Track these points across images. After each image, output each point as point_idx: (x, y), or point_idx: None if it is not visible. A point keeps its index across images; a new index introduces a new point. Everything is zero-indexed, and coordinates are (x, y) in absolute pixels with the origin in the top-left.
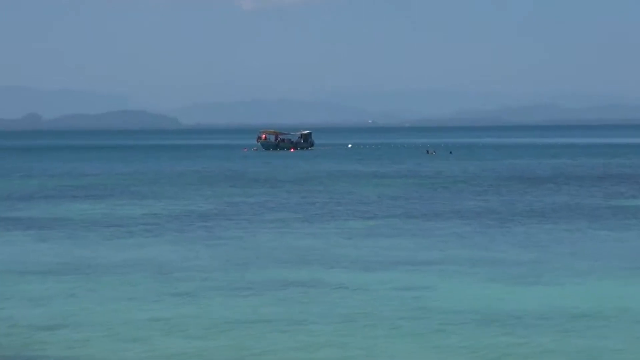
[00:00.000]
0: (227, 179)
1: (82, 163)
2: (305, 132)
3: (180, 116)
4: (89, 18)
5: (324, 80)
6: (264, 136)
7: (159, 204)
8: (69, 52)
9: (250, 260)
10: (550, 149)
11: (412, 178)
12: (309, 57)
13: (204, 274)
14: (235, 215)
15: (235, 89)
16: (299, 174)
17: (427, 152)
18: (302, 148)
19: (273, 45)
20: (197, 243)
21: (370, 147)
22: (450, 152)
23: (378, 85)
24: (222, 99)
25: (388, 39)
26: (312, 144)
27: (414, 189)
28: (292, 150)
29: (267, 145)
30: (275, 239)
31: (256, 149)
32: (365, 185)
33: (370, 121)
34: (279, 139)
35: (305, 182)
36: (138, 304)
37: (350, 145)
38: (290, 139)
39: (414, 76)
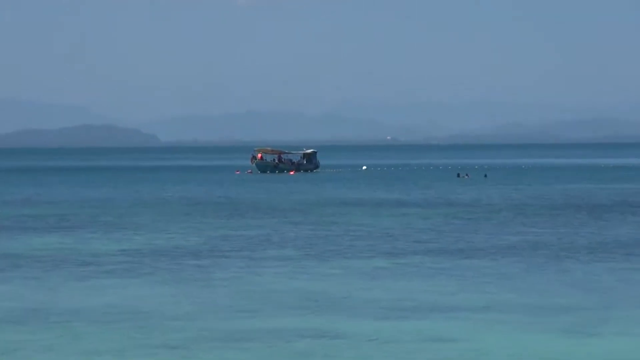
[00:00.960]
0: (220, 207)
1: (42, 188)
2: (309, 151)
3: (158, 131)
4: (44, 13)
5: (330, 88)
6: (259, 156)
7: (138, 237)
8: (16, 57)
9: (254, 306)
10: (611, 171)
11: (443, 207)
12: (311, 61)
13: (197, 323)
14: (232, 252)
15: (226, 99)
16: (305, 201)
17: (459, 175)
18: (305, 170)
19: (270, 47)
20: (188, 285)
21: (389, 169)
22: (485, 176)
23: (398, 94)
24: (209, 111)
25: (408, 39)
26: (317, 166)
27: (446, 220)
28: (292, 173)
29: (263, 167)
30: (282, 280)
31: (250, 171)
32: (386, 215)
33: (388, 138)
34: (277, 159)
35: (314, 211)
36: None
37: (364, 167)
38: (290, 159)
39: (442, 85)
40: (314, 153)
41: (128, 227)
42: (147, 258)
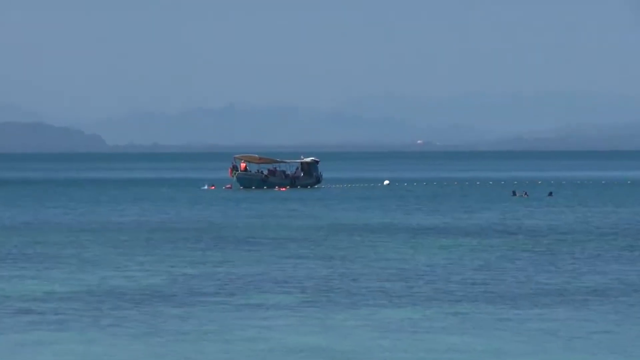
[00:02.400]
0: (193, 235)
1: None
2: (308, 159)
3: (105, 132)
4: None
5: (339, 78)
6: (242, 166)
7: (87, 275)
8: None
9: None
10: None
11: (500, 236)
12: (314, 46)
13: None
14: (216, 296)
15: (196, 91)
16: (309, 228)
17: (514, 193)
18: (302, 185)
19: (257, 22)
20: (160, 340)
21: (420, 184)
22: (550, 194)
23: (431, 87)
24: (173, 106)
25: (440, 15)
26: (318, 179)
27: (506, 254)
28: (283, 189)
29: (247, 181)
30: (285, 335)
31: (230, 186)
32: (424, 247)
33: (420, 142)
34: (266, 170)
35: (322, 241)
36: None
37: (387, 182)
38: (284, 171)
39: (488, 75)
40: (315, 163)
41: (71, 262)
42: (102, 304)
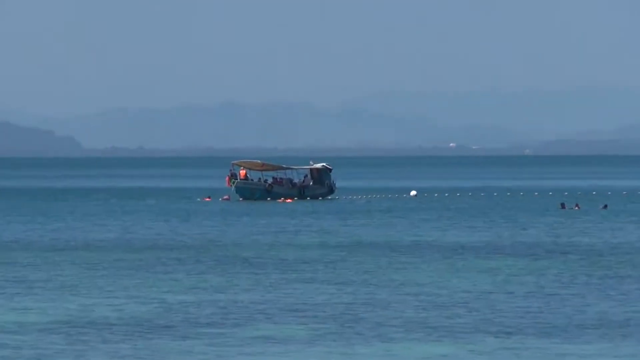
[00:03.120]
0: (190, 255)
1: None
2: (319, 165)
3: (80, 133)
4: None
5: (353, 70)
6: (242, 173)
7: (66, 304)
8: None
9: None
10: None
11: (549, 256)
12: (323, 34)
13: None
14: (217, 325)
15: (188, 87)
16: (325, 246)
17: (563, 206)
18: (312, 196)
19: (257, 9)
20: None
21: (454, 195)
22: (605, 207)
23: (465, 82)
24: (161, 102)
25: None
26: (331, 189)
27: (558, 277)
28: (288, 200)
29: (248, 191)
30: None
31: (228, 198)
32: (458, 270)
33: (452, 145)
34: (270, 178)
35: (336, 263)
36: None
37: (414, 193)
38: (290, 179)
39: (532, 67)
40: (327, 169)
41: (47, 288)
42: (86, 336)
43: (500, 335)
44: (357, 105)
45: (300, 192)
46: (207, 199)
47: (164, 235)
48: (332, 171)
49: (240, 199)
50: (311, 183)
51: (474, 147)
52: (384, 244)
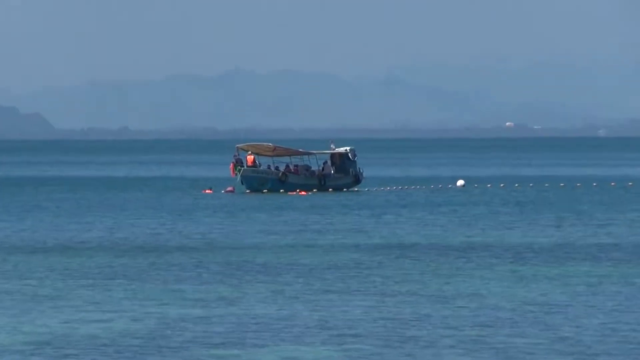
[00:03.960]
0: (190, 260)
1: None
2: (341, 150)
3: (50, 111)
4: None
5: (387, 41)
6: (249, 159)
7: (45, 319)
8: None
9: None
10: None
11: (636, 260)
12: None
13: None
14: (226, 345)
15: (184, 53)
16: (351, 249)
17: None
18: (335, 187)
19: None
20: None
21: (510, 185)
22: None
23: (525, 50)
24: (150, 74)
25: None
26: (357, 178)
27: None
28: (302, 193)
29: (256, 180)
30: None
31: (232, 189)
32: (526, 278)
33: (509, 124)
34: (283, 166)
35: (372, 269)
36: None
37: (462, 183)
38: (307, 167)
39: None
40: (350, 154)
41: (21, 300)
42: (68, 358)
43: (580, 359)
44: (394, 77)
45: (320, 182)
46: (208, 191)
47: (159, 235)
48: (358, 157)
49: (248, 190)
50: (332, 171)
51: (535, 127)
52: (430, 246)
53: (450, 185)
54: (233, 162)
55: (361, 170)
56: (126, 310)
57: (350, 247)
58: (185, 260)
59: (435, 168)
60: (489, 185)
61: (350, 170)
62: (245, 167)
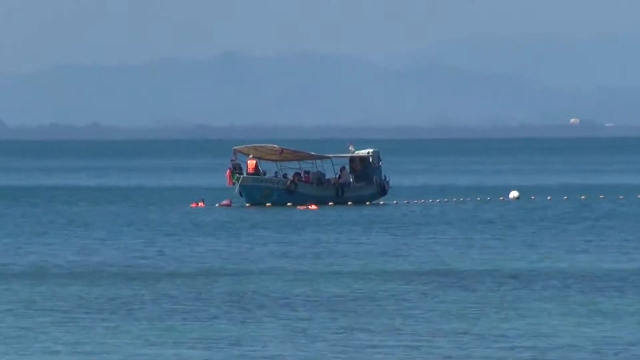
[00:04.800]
0: (183, 289)
1: None
2: (363, 152)
3: (0, 105)
4: None
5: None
6: (250, 164)
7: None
8: None
9: None
10: None
11: None
12: None
13: None
14: None
15: (168, 34)
16: (389, 276)
17: None
18: (355, 199)
19: None
20: None
21: (576, 197)
22: None
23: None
24: (125, 55)
25: None
26: (382, 188)
27: None
28: (313, 207)
29: (258, 191)
30: None
31: (229, 203)
32: (605, 313)
33: (573, 121)
34: (291, 175)
35: (418, 303)
36: None
37: (515, 194)
38: (320, 174)
39: None
40: (373, 158)
41: None
42: None
43: None
44: (432, 60)
45: (337, 192)
46: (199, 205)
47: (144, 259)
48: (383, 161)
49: (248, 204)
50: (352, 180)
51: (607, 125)
52: (480, 272)
53: (501, 198)
54: (230, 168)
55: (387, 179)
56: (108, 351)
57: (382, 274)
58: (178, 290)
59: (482, 176)
60: (549, 198)
61: (374, 178)
62: (245, 174)
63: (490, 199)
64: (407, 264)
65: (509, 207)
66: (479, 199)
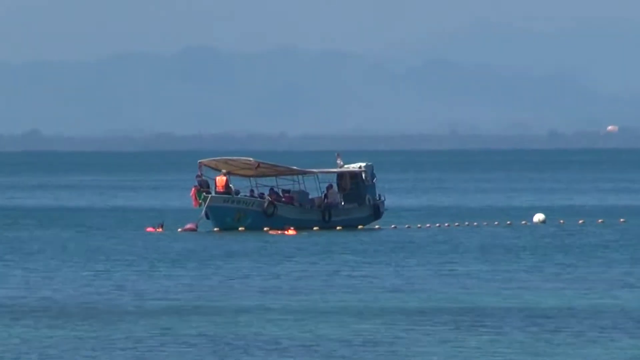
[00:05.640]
0: (154, 331)
1: None
2: (354, 167)
3: None
4: None
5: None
6: (220, 180)
7: None
8: None
9: None
10: None
11: None
12: None
13: None
14: None
15: (123, 24)
16: (398, 316)
17: None
18: (344, 222)
19: None
20: None
21: (614, 220)
22: None
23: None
24: (73, 50)
25: None
26: (375, 209)
27: None
28: (291, 232)
29: (228, 213)
30: None
31: (194, 227)
32: None
33: (610, 128)
34: (268, 191)
35: (437, 346)
36: None
37: (540, 217)
38: (305, 193)
39: None
40: (366, 173)
41: None
42: None
43: None
44: (441, 56)
45: (324, 215)
46: (157, 230)
47: (99, 294)
48: (378, 178)
49: (216, 228)
50: (340, 199)
51: None
52: (511, 311)
53: (524, 222)
54: (195, 186)
55: (382, 198)
56: None
57: (387, 314)
58: (143, 330)
59: (501, 195)
60: (580, 221)
61: (367, 198)
62: (213, 193)
63: (510, 223)
64: (416, 301)
65: (534, 233)
66: (496, 222)
